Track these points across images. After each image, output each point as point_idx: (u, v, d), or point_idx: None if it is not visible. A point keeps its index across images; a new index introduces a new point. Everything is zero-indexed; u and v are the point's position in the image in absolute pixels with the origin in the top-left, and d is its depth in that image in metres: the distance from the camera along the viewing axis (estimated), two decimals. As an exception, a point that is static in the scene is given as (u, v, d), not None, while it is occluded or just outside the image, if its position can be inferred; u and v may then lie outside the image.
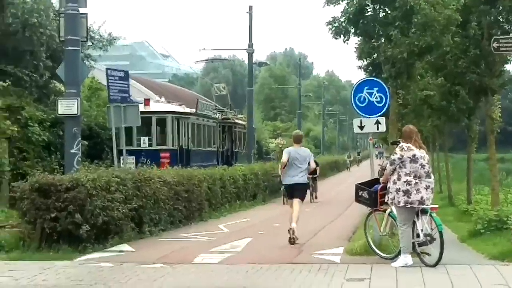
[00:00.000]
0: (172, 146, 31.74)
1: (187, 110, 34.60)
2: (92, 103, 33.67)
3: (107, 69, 21.84)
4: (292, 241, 15.23)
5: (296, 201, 15.79)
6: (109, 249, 14.68)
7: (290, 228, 15.32)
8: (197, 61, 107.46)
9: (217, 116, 39.03)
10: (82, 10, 18.83)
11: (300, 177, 15.69)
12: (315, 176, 30.44)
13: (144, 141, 31.25)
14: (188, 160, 31.89)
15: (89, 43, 31.07)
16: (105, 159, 20.71)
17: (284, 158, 15.71)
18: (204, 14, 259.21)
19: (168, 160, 29.59)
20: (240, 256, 13.81)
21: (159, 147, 31.24)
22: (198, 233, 18.18)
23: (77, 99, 18.51)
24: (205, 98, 53.57)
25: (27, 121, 24.80)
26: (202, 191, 22.04)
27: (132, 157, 26.50)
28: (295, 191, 15.86)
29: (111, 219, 15.20)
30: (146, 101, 32.27)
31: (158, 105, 33.50)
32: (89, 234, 14.52)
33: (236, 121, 42.82)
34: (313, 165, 16.17)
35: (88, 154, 25.44)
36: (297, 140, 16.05)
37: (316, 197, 32.22)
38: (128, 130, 28.34)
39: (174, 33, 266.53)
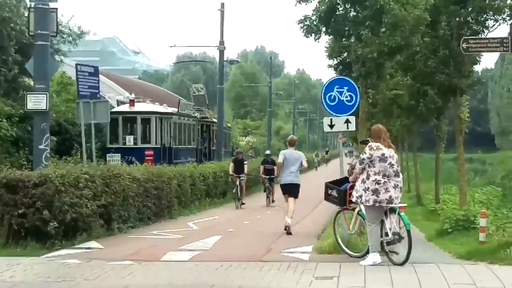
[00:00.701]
0: (156, 144, 33.03)
1: (170, 110, 35.65)
2: (61, 98, 33.39)
3: (76, 64, 21.71)
4: (287, 230, 17.21)
5: (291, 199, 17.51)
6: (77, 246, 14.59)
7: (286, 225, 17.18)
8: (176, 62, 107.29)
9: (196, 115, 39.91)
10: (52, 4, 18.69)
11: (294, 177, 17.41)
12: (272, 177, 27.04)
13: (129, 140, 32.73)
14: (170, 158, 33.00)
15: (58, 37, 30.80)
16: (74, 155, 20.54)
17: (280, 160, 17.53)
18: (175, 10, 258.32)
19: (152, 158, 30.81)
20: (209, 254, 13.79)
21: (143, 145, 32.53)
22: (167, 230, 18.13)
23: (46, 94, 18.37)
24: (176, 95, 53.37)
25: (-5, 116, 24.48)
26: (171, 188, 21.97)
27: (118, 154, 28.57)
28: (290, 190, 17.51)
29: (80, 216, 15.09)
30: (132, 102, 34.08)
31: (143, 105, 34.78)
32: (57, 230, 14.42)
33: (214, 120, 43.25)
34: (305, 164, 17.64)
35: (57, 150, 25.21)
36: (292, 144, 17.82)
37: (273, 201, 28.05)
38: (114, 128, 31.71)
39: (145, 29, 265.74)
